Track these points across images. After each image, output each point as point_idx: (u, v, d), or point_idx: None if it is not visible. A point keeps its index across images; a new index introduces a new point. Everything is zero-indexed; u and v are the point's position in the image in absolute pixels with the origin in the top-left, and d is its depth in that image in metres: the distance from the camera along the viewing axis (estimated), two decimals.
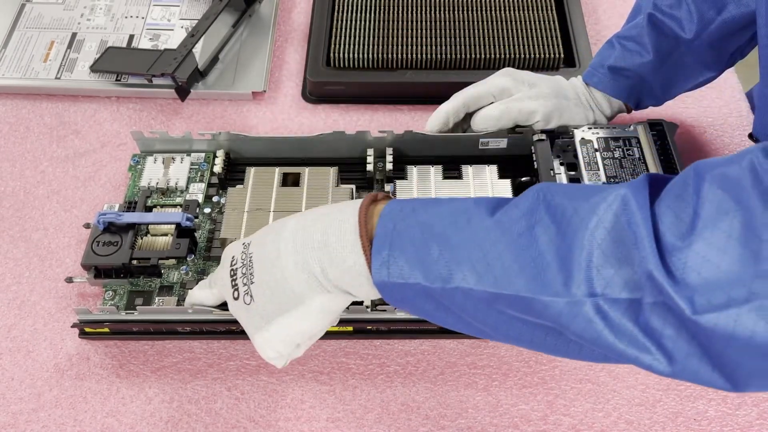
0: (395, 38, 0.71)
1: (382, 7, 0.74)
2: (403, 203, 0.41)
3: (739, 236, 0.31)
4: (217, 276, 0.48)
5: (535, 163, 0.59)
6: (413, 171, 0.59)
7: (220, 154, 0.61)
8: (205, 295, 0.49)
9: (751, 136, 0.57)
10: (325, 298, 0.42)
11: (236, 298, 0.44)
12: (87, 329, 0.53)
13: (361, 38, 0.71)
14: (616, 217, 0.34)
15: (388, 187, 0.60)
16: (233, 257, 0.45)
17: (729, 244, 0.31)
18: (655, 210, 0.34)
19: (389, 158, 0.60)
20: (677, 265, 0.32)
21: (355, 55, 0.70)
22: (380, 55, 0.70)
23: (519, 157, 0.61)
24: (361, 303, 0.52)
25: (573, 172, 0.58)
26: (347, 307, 0.50)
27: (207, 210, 0.60)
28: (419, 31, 0.72)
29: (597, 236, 0.34)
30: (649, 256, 0.32)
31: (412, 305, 0.40)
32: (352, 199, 0.58)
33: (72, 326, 0.53)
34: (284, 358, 0.44)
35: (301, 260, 0.42)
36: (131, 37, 0.75)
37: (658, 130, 0.60)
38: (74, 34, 0.75)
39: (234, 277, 0.44)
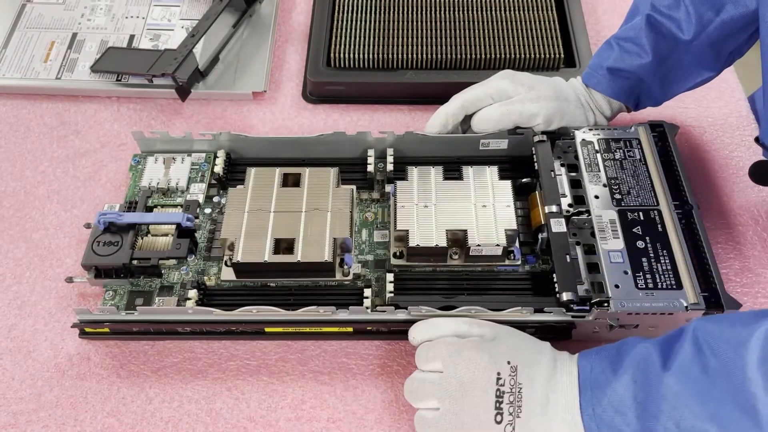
0: (395, 38, 0.71)
1: (382, 7, 0.74)
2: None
3: None
4: (460, 371, 0.47)
5: (535, 164, 0.59)
6: (414, 171, 0.59)
7: (221, 154, 0.61)
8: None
9: (757, 140, 0.57)
10: None
11: (498, 422, 0.46)
12: (87, 329, 0.53)
13: (361, 38, 0.71)
14: None
15: (388, 188, 0.60)
16: (499, 374, 0.46)
17: None
18: None
19: (390, 159, 0.60)
20: None
21: (355, 55, 0.70)
22: (380, 55, 0.70)
23: (520, 158, 0.61)
24: (361, 304, 0.52)
25: (574, 174, 0.58)
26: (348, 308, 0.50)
27: (207, 210, 0.60)
28: (419, 31, 0.72)
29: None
30: None
31: None
32: (352, 199, 0.58)
33: (72, 326, 0.53)
34: None
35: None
36: (132, 37, 0.75)
37: (659, 131, 0.60)
38: (75, 35, 0.75)
39: (500, 400, 0.46)
